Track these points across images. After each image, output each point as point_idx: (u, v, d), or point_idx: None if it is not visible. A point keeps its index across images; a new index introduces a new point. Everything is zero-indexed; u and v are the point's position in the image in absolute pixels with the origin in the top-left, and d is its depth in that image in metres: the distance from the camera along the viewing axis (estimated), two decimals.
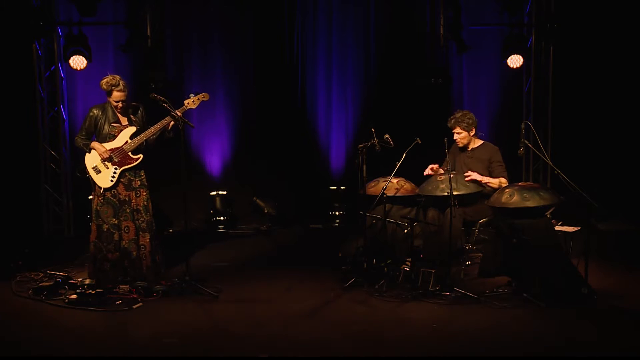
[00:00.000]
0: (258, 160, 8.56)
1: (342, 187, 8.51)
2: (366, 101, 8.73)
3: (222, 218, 8.31)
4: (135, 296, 5.13)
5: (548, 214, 5.11)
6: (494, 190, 5.45)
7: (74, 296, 5.06)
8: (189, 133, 8.29)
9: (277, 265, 6.42)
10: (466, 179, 5.52)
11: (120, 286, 5.35)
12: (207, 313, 4.88)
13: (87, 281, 5.13)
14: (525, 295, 4.94)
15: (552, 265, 4.94)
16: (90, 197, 5.76)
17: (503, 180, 5.62)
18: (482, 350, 4.15)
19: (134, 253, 5.58)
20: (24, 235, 7.29)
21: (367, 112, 8.65)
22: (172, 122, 5.50)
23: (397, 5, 8.53)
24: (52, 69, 7.94)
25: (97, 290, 5.07)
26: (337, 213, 8.45)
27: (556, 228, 5.25)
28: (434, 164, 5.86)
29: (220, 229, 8.25)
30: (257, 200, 8.42)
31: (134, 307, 4.97)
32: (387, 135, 5.59)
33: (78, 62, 7.62)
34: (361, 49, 8.68)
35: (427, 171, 5.85)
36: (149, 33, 7.67)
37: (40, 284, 5.33)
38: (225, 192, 8.40)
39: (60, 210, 8.08)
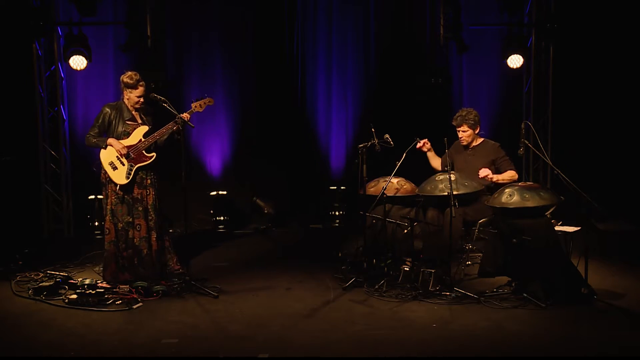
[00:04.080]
0: (258, 160, 8.56)
1: (342, 187, 8.51)
2: (366, 101, 8.73)
3: (222, 218, 8.31)
4: (135, 296, 5.13)
5: (548, 214, 5.11)
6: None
7: (74, 296, 5.05)
8: (189, 133, 8.29)
9: (277, 265, 6.41)
10: (480, 175, 5.53)
11: (120, 286, 5.35)
12: (207, 313, 4.88)
13: (87, 281, 5.13)
14: (525, 295, 4.94)
15: (552, 265, 4.94)
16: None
17: (512, 173, 5.70)
18: (482, 350, 4.15)
19: (145, 251, 5.64)
20: (24, 235, 7.29)
21: (367, 112, 8.65)
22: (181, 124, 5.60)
23: (397, 5, 8.53)
24: (52, 69, 7.94)
25: (97, 290, 5.07)
26: (337, 213, 8.46)
27: (556, 228, 5.24)
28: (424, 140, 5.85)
29: (220, 229, 8.26)
30: (257, 200, 8.42)
31: (134, 307, 4.97)
32: (387, 135, 5.59)
33: (78, 62, 7.62)
34: (361, 49, 8.68)
35: (420, 144, 5.83)
36: (149, 33, 7.68)
37: (40, 284, 5.33)
38: (225, 192, 8.40)
39: (60, 210, 8.08)
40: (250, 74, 8.64)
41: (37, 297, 5.18)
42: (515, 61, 7.83)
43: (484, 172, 5.59)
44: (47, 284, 5.32)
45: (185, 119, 5.51)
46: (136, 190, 5.62)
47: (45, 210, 8.02)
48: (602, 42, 7.96)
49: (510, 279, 5.19)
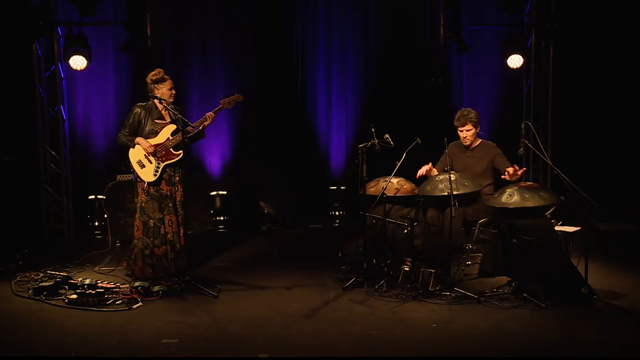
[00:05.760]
0: (258, 161, 8.57)
1: (342, 187, 8.52)
2: (366, 101, 8.74)
3: (222, 218, 8.31)
4: (135, 296, 5.13)
5: (548, 214, 5.11)
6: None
7: (74, 296, 5.05)
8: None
9: (277, 265, 6.41)
10: (519, 173, 5.38)
11: (121, 286, 5.36)
12: (207, 313, 4.88)
13: (87, 281, 5.13)
14: (525, 295, 4.94)
15: (552, 265, 4.94)
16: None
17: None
18: (482, 350, 4.15)
19: (177, 245, 5.72)
20: (24, 235, 7.29)
21: (367, 112, 8.66)
22: (207, 123, 5.66)
23: (397, 5, 8.54)
24: (52, 69, 7.95)
25: (97, 290, 5.07)
26: (337, 213, 8.46)
27: (556, 228, 5.24)
28: (426, 164, 5.81)
29: (220, 229, 8.26)
30: (258, 201, 8.42)
31: (134, 307, 4.97)
32: (387, 135, 5.59)
33: (78, 62, 7.63)
34: (361, 49, 8.69)
35: (422, 172, 5.81)
36: (149, 33, 7.68)
37: (40, 284, 5.32)
38: (225, 192, 8.40)
39: (60, 210, 8.09)
40: (250, 74, 8.64)
41: (37, 297, 5.18)
42: (515, 61, 7.83)
43: (511, 169, 5.40)
44: (47, 284, 5.32)
45: (211, 117, 5.64)
46: (165, 187, 5.69)
47: (45, 210, 8.02)
48: (602, 42, 7.97)
49: (510, 279, 5.19)
